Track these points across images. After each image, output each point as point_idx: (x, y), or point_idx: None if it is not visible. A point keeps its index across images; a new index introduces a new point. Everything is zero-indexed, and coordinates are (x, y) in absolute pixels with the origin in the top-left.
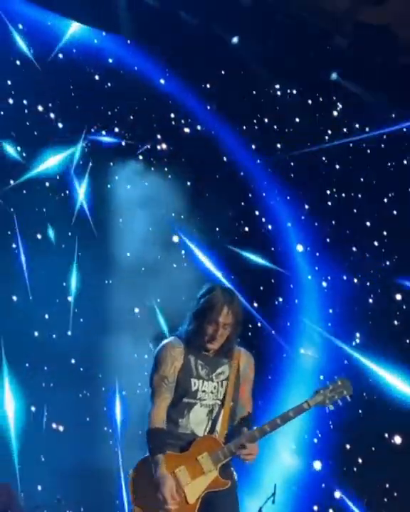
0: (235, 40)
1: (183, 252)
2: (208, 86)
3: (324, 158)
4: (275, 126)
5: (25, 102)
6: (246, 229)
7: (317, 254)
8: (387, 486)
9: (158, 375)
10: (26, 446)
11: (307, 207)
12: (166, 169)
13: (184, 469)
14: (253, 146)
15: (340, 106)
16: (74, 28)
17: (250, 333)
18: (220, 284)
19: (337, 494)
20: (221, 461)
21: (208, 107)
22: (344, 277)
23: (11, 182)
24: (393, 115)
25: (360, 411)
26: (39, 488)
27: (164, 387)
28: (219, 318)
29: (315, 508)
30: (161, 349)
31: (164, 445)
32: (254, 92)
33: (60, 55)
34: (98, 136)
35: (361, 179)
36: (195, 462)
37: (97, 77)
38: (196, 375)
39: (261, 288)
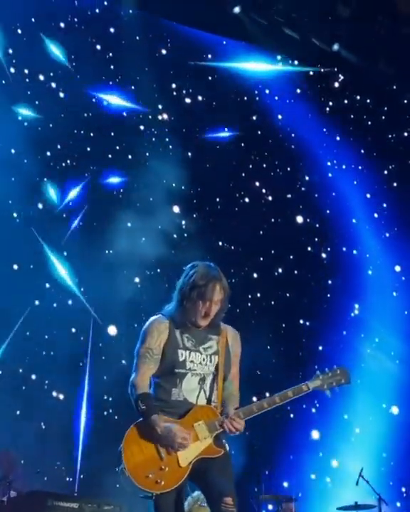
0: (237, 9)
1: (183, 222)
2: (209, 56)
3: (324, 130)
4: (276, 97)
5: (26, 71)
6: (246, 200)
7: (317, 225)
8: (384, 455)
9: (143, 347)
10: (27, 414)
11: (307, 178)
12: (167, 139)
13: None
14: (254, 118)
15: (341, 77)
16: None
17: (249, 304)
18: (204, 261)
19: (335, 463)
20: (217, 430)
21: (209, 78)
22: (344, 249)
23: (12, 151)
24: (395, 87)
25: (358, 381)
26: (39, 454)
27: (148, 358)
28: (212, 296)
29: (313, 476)
30: (148, 324)
31: (155, 407)
32: (255, 63)
33: (62, 25)
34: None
35: (362, 151)
36: (191, 428)
37: (98, 47)
38: (182, 346)
39: (261, 259)
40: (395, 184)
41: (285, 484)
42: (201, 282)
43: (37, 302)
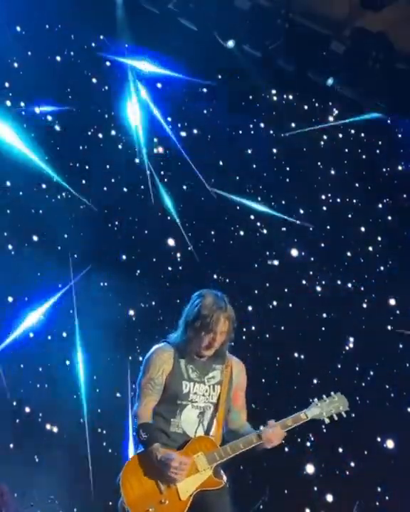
0: (231, 43)
1: (178, 255)
2: (204, 90)
3: (319, 164)
4: (271, 131)
5: (22, 104)
6: (241, 233)
7: (312, 258)
8: (379, 489)
9: (145, 377)
10: (20, 447)
11: (301, 211)
12: (162, 173)
13: None
14: (249, 151)
15: (336, 111)
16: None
17: (244, 337)
18: (211, 290)
19: (330, 497)
20: (216, 462)
21: (205, 111)
22: (339, 282)
23: (8, 183)
24: (389, 121)
25: (353, 414)
26: (32, 488)
27: (150, 389)
28: (216, 327)
29: (307, 511)
30: (151, 353)
31: (157, 436)
32: (251, 97)
33: (58, 58)
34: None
35: (356, 184)
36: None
37: (94, 80)
38: (187, 377)
39: (256, 292)
40: (389, 218)
41: None
42: (205, 312)
43: (31, 335)
